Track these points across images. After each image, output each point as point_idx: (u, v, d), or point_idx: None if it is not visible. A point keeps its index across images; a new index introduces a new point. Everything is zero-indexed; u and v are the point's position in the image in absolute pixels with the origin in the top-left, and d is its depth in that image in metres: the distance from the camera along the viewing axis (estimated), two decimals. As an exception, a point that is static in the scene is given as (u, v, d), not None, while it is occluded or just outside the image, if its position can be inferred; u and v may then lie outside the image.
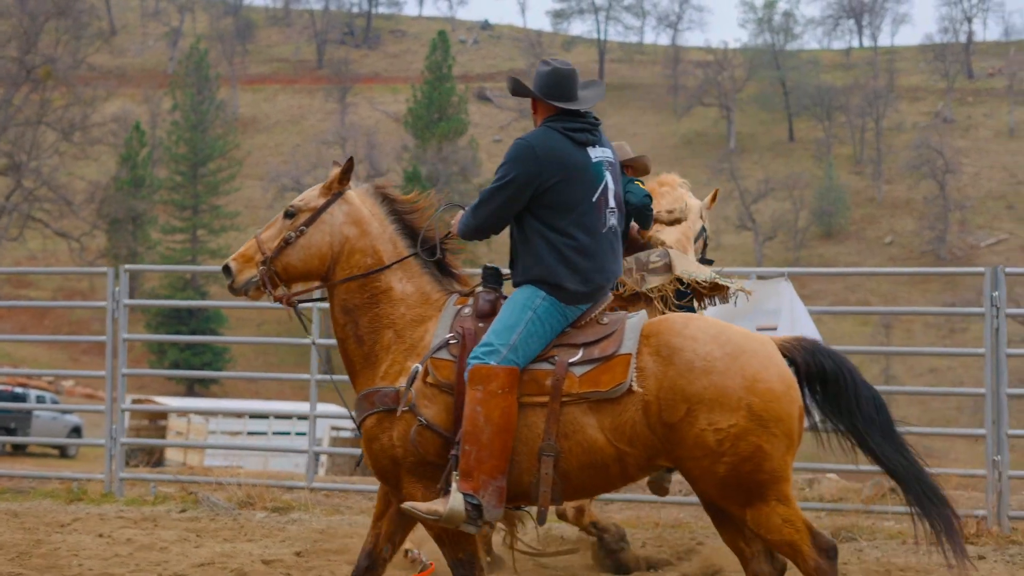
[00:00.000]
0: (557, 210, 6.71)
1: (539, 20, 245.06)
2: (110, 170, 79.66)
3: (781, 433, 6.38)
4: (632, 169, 9.46)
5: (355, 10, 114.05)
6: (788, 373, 6.54)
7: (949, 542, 6.87)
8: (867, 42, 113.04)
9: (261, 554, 10.14)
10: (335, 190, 7.22)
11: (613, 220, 6.86)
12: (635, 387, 6.47)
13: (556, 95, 6.86)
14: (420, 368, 6.78)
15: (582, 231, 6.74)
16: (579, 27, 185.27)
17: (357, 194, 7.26)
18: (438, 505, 6.57)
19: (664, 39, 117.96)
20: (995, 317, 10.85)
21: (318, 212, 7.17)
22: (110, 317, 13.16)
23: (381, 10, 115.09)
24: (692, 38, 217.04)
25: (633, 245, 9.19)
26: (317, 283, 7.26)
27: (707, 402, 6.35)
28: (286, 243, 7.15)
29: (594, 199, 6.76)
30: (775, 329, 11.11)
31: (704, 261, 9.88)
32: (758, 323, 11.22)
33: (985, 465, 10.96)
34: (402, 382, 6.81)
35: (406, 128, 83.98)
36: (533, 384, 6.62)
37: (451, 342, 6.81)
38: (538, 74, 6.92)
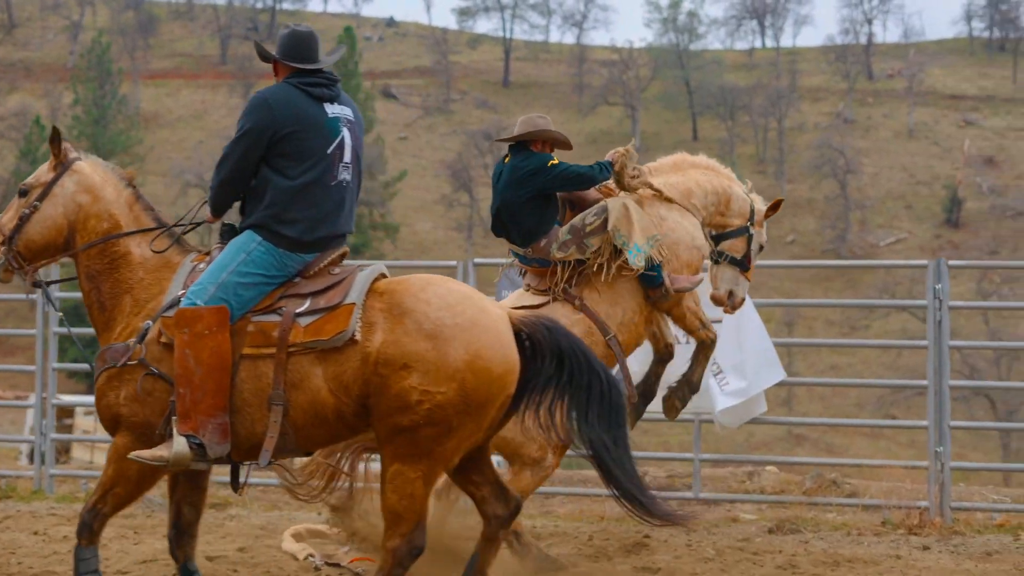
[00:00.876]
0: (289, 159, 6.90)
1: (444, 18, 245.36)
2: (10, 165, 78.29)
3: (476, 418, 6.58)
4: (543, 143, 9.18)
5: (259, 5, 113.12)
6: (513, 357, 6.70)
7: (662, 517, 7.05)
8: (770, 43, 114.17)
9: (204, 550, 9.96)
10: (62, 162, 7.34)
11: (346, 175, 7.05)
12: (358, 336, 6.60)
13: (292, 56, 7.14)
14: (151, 324, 6.89)
15: (312, 181, 6.92)
16: (484, 25, 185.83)
17: (88, 164, 7.40)
18: (162, 451, 6.73)
19: (569, 38, 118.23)
20: (938, 310, 10.95)
21: (49, 185, 7.29)
22: (40, 311, 12.88)
23: (285, 6, 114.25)
24: (597, 37, 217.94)
25: (581, 204, 9.24)
26: (62, 255, 7.35)
27: (424, 364, 6.49)
28: (22, 220, 7.25)
29: (328, 151, 6.98)
30: (719, 322, 11.13)
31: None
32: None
33: (928, 457, 11.05)
34: (133, 341, 6.90)
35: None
36: (261, 335, 6.75)
37: (182, 298, 6.90)
38: (279, 37, 7.21)
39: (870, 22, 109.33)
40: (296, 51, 7.15)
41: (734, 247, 9.54)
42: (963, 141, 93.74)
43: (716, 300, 9.64)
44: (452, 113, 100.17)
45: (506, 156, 9.23)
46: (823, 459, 17.16)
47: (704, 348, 9.49)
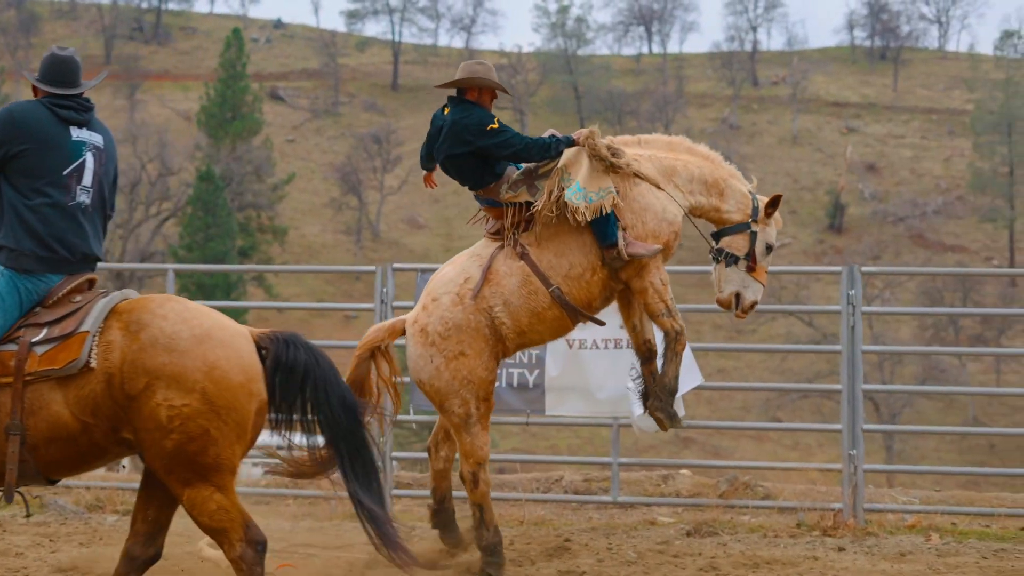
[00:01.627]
0: (24, 176, 6.95)
1: (333, 20, 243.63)
2: None
3: (232, 422, 6.67)
4: (480, 92, 9.26)
5: (144, 5, 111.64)
6: (253, 366, 6.85)
7: (385, 547, 7.14)
8: (656, 49, 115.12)
9: (123, 559, 9.87)
10: None
11: (85, 198, 7.08)
12: (93, 363, 6.69)
13: (49, 79, 7.22)
14: None
15: (48, 203, 6.97)
16: (373, 28, 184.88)
17: None
18: None
19: (458, 42, 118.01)
20: (851, 315, 11.16)
21: None
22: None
23: (171, 6, 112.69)
24: (486, 41, 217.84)
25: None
26: None
27: (165, 378, 6.61)
28: None
29: (65, 172, 7.02)
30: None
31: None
32: (622, 322, 11.35)
33: (841, 459, 11.25)
34: None
35: (199, 126, 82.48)
36: (0, 366, 6.77)
37: None
38: (42, 60, 7.29)
39: (755, 30, 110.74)
40: (53, 74, 7.23)
41: (735, 244, 9.33)
42: (845, 148, 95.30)
43: (721, 303, 9.45)
44: (340, 116, 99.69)
45: (445, 107, 9.22)
46: (738, 462, 17.33)
47: (670, 342, 9.20)
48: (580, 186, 8.81)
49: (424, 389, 9.22)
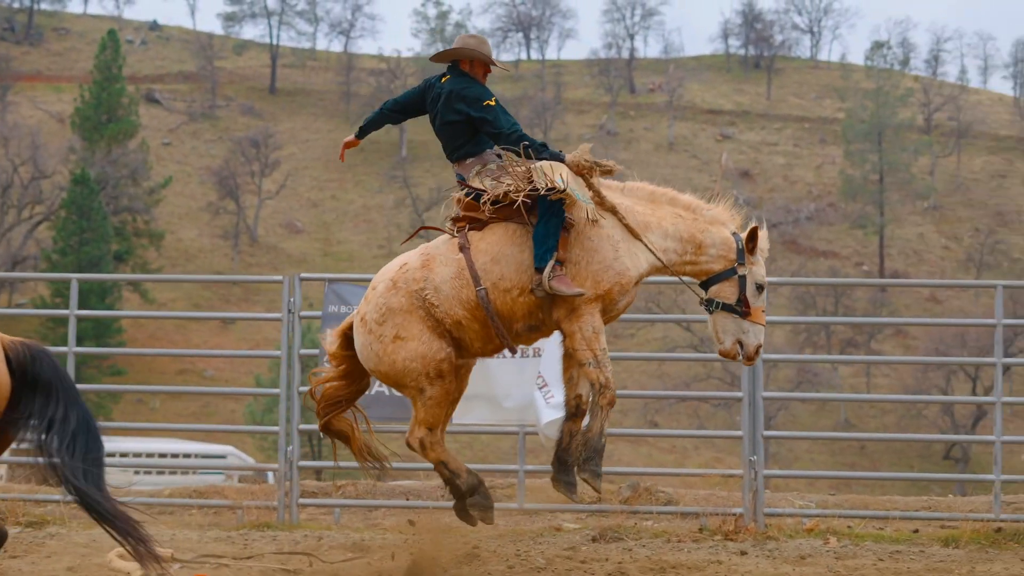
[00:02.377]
0: None
1: (210, 22, 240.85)
2: None
3: None
4: (472, 63, 9.26)
5: (16, 5, 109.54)
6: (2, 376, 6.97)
7: (137, 555, 7.34)
8: (535, 55, 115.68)
9: (32, 570, 9.86)
10: None
11: None
12: None
13: None
14: None
15: None
16: (251, 31, 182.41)
17: None
18: None
19: (337, 46, 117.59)
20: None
21: None
22: None
23: (44, 6, 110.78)
24: (365, 46, 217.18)
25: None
26: None
27: None
28: None
29: None
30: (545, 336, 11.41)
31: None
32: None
33: (742, 465, 11.51)
34: None
35: (73, 129, 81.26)
36: None
37: None
38: None
39: (632, 37, 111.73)
40: None
41: (723, 292, 8.96)
42: (720, 154, 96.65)
43: (725, 355, 9.03)
44: (218, 119, 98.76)
45: (444, 75, 9.30)
46: (639, 468, 17.64)
47: (596, 395, 8.87)
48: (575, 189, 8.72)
49: (377, 376, 9.31)
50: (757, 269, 9.02)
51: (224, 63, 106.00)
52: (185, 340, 69.04)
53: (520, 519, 12.07)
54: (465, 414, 11.52)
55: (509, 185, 8.79)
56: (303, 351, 12.20)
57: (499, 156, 9.06)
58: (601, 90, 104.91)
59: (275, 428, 12.09)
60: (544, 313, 8.91)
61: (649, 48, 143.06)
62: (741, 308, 8.92)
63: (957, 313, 75.87)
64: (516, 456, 11.89)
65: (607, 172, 9.00)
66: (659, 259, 8.96)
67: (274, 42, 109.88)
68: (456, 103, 9.02)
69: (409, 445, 9.16)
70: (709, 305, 9.01)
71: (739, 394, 11.60)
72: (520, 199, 8.72)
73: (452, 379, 9.03)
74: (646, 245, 8.94)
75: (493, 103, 8.96)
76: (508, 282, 8.86)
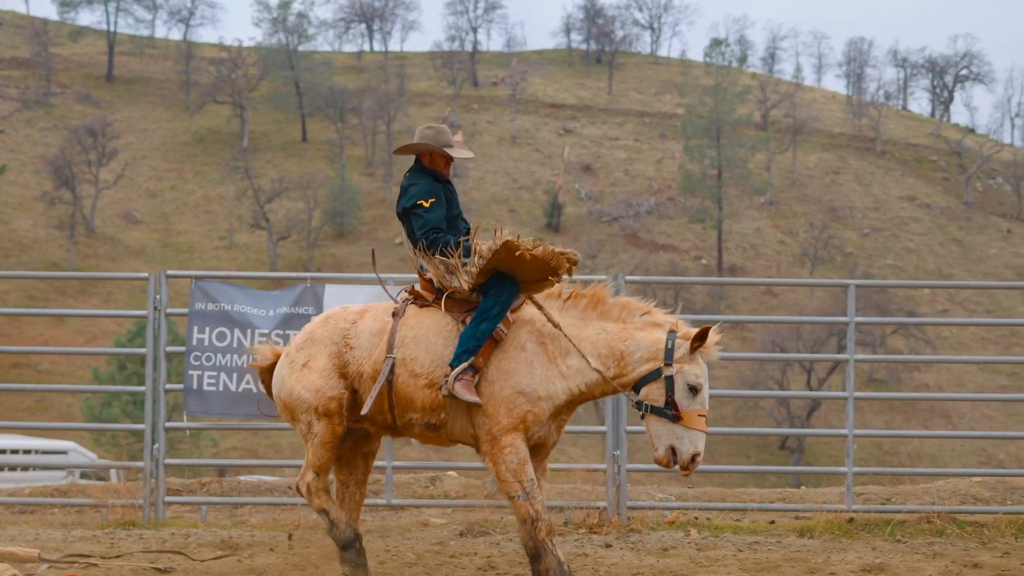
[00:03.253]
0: None
1: (44, 8, 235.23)
2: None
3: None
4: (431, 156, 9.14)
5: None
6: None
7: None
8: (378, 47, 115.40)
9: None
10: None
11: None
12: None
13: None
14: None
15: None
16: (87, 17, 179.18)
17: None
18: None
19: (176, 34, 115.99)
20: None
21: None
22: None
23: None
24: (205, 34, 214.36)
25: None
26: None
27: None
28: None
29: None
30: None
31: None
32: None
33: (606, 460, 11.76)
34: None
35: (-99, 115, 79.02)
36: None
37: None
38: None
39: (475, 30, 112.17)
40: None
41: (651, 394, 8.39)
42: (563, 148, 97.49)
43: (659, 462, 8.45)
44: (53, 107, 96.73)
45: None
46: None
47: (526, 530, 8.55)
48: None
49: (277, 404, 9.24)
50: (690, 368, 8.37)
51: (59, 50, 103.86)
52: (19, 333, 67.58)
53: (386, 515, 12.17)
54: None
55: (444, 278, 8.69)
56: (169, 348, 12.12)
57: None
58: (445, 83, 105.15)
59: (141, 426, 12.01)
60: (448, 417, 8.67)
61: (492, 41, 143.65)
62: (671, 411, 8.32)
63: (793, 307, 77.77)
64: (384, 453, 11.95)
65: (573, 263, 8.57)
66: (578, 387, 8.58)
67: (111, 29, 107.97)
68: (400, 198, 8.99)
69: (297, 488, 9.08)
70: (639, 407, 8.51)
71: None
72: (449, 292, 8.69)
73: (340, 424, 8.89)
74: (561, 373, 8.57)
75: (427, 204, 8.77)
76: (418, 366, 8.69)
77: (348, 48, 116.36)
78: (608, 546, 10.97)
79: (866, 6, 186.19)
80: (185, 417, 11.70)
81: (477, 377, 8.46)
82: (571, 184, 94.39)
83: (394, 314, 8.85)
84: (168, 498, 12.08)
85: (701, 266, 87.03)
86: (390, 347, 8.72)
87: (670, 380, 8.32)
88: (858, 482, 12.56)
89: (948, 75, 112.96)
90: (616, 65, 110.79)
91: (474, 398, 8.39)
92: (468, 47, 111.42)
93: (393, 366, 8.68)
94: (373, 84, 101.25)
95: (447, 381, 8.44)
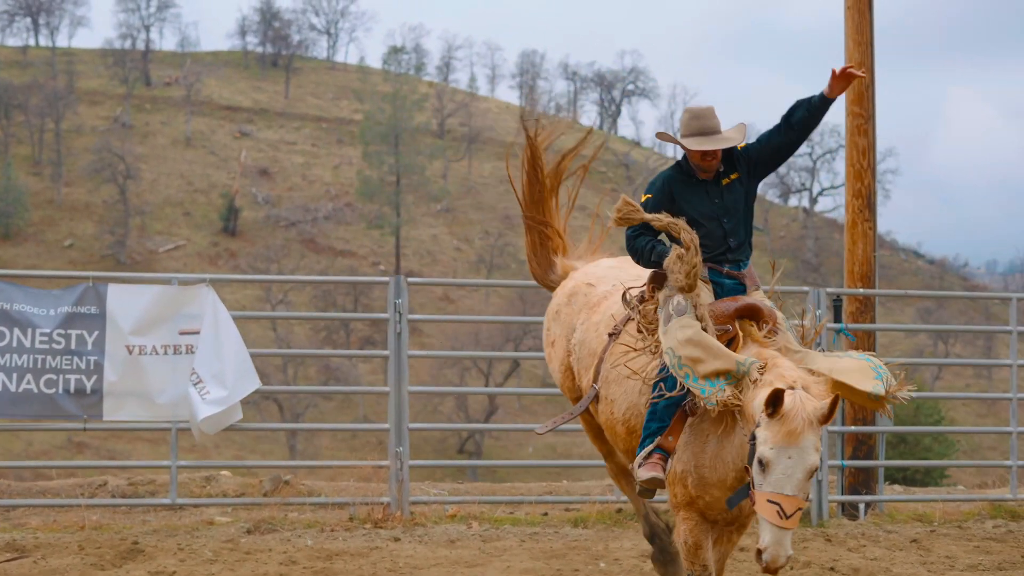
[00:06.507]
0: None
1: None
2: None
3: None
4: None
5: None
6: None
7: None
8: (45, 42, 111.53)
9: None
10: None
11: None
12: None
13: None
14: None
15: None
16: None
17: None
18: None
19: None
20: (398, 322, 11.99)
21: None
22: None
23: None
24: None
25: None
26: None
27: None
28: None
29: None
30: (197, 333, 11.58)
31: None
32: (181, 327, 11.63)
33: (389, 457, 12.05)
34: None
35: None
36: None
37: None
38: None
39: (148, 29, 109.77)
40: None
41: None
42: (239, 152, 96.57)
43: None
44: None
45: None
46: (285, 462, 17.93)
47: None
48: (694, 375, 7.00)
49: None
50: (762, 433, 6.57)
51: None
52: None
53: (166, 515, 12.14)
54: (118, 411, 11.53)
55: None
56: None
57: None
58: (116, 81, 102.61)
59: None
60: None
61: (165, 41, 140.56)
62: (749, 481, 6.74)
63: (471, 311, 79.11)
64: (169, 451, 11.92)
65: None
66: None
67: None
68: None
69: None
70: None
71: (386, 389, 12.10)
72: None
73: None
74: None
75: (643, 199, 7.62)
76: (616, 408, 7.79)
77: (12, 42, 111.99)
78: (397, 539, 11.27)
79: (538, 20, 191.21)
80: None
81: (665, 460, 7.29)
82: (248, 188, 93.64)
83: (610, 335, 7.92)
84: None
85: (379, 272, 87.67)
86: (596, 375, 7.99)
87: (752, 446, 6.67)
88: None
89: (616, 89, 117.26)
90: (293, 69, 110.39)
91: (648, 474, 7.23)
92: (140, 46, 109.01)
93: (596, 395, 7.98)
94: (40, 80, 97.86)
95: (634, 468, 7.41)
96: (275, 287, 75.95)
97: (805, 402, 6.46)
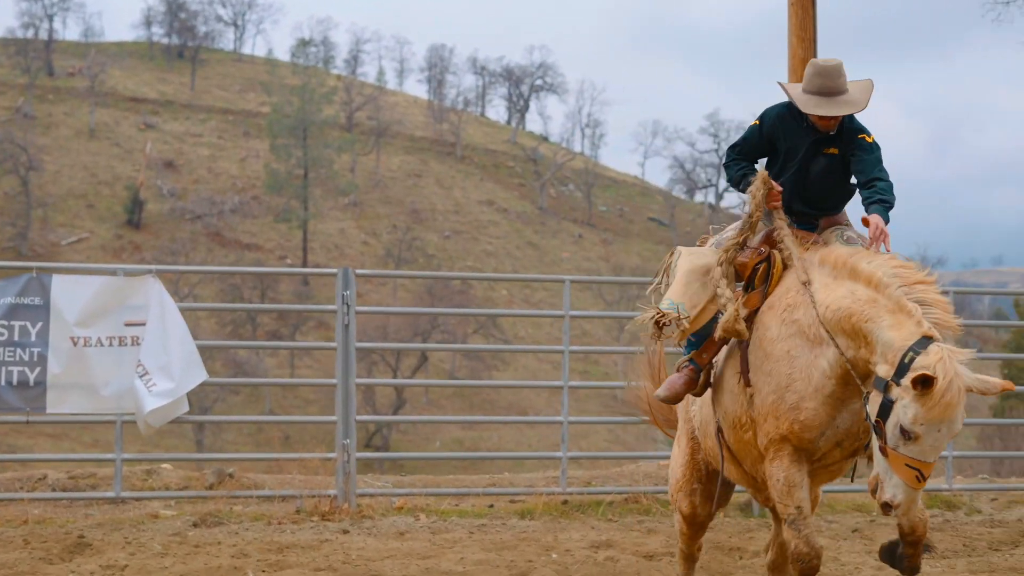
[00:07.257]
0: None
1: None
2: None
3: None
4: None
5: None
6: None
7: None
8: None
9: None
10: None
11: None
12: None
13: None
14: None
15: None
16: None
17: None
18: None
19: None
20: (346, 315, 11.95)
21: None
22: None
23: None
24: None
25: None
26: None
27: None
28: None
29: None
30: (143, 324, 11.48)
31: None
32: (126, 319, 11.52)
33: (336, 449, 12.01)
34: None
35: None
36: None
37: None
38: None
39: (51, 18, 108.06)
40: None
41: (872, 401, 6.44)
42: (144, 144, 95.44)
43: (869, 484, 6.52)
44: None
45: None
46: (228, 455, 17.77)
47: (791, 560, 7.00)
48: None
49: None
50: (911, 408, 6.14)
51: None
52: None
53: (107, 508, 12.00)
54: (61, 403, 11.41)
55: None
56: None
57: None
58: (18, 71, 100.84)
59: None
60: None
61: (68, 31, 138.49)
62: (880, 436, 6.32)
63: (376, 303, 78.76)
64: (114, 445, 11.78)
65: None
66: (839, 364, 6.67)
67: None
68: None
69: None
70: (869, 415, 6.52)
71: (333, 381, 12.06)
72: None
73: None
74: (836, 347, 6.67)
75: (754, 122, 7.66)
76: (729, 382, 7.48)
77: None
78: (346, 532, 11.25)
79: (446, 14, 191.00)
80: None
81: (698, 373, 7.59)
82: (153, 180, 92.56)
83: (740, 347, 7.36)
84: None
85: (286, 266, 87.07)
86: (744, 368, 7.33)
87: (888, 403, 6.27)
88: (556, 467, 13.25)
89: (524, 84, 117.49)
90: (199, 61, 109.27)
91: (657, 392, 7.74)
92: (43, 35, 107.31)
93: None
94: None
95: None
96: (182, 280, 75.16)
97: (958, 372, 6.05)
